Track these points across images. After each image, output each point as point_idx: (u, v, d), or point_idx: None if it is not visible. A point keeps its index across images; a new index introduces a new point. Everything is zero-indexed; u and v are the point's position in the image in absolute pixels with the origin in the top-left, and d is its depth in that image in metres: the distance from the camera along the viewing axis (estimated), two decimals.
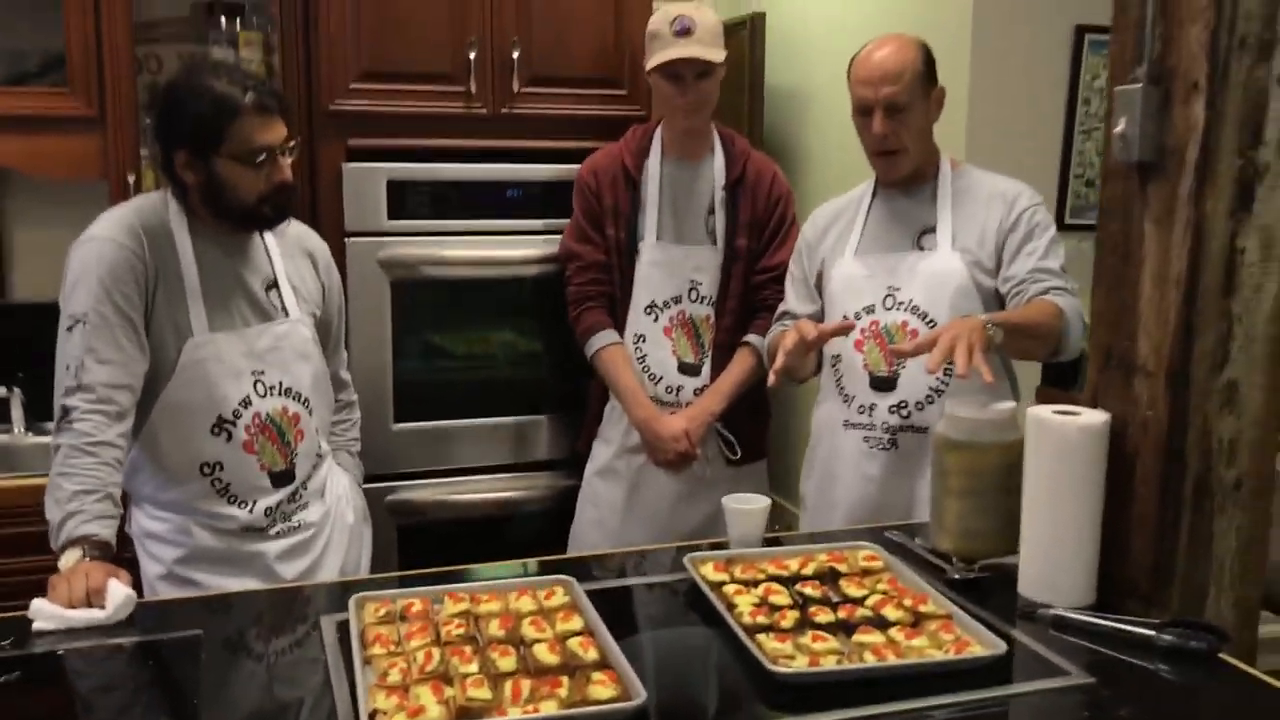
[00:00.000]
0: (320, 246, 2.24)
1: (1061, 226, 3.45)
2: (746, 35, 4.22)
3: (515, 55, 2.85)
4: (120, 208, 2.02)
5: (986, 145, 3.29)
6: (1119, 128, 1.65)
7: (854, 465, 2.23)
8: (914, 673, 1.48)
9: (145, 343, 1.93)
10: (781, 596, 1.69)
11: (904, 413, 2.17)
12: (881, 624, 1.60)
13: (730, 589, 1.72)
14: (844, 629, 1.59)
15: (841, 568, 1.81)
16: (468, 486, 2.92)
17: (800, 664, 1.48)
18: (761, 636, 1.55)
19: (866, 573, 1.80)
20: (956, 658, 1.50)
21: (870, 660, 1.50)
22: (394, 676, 1.42)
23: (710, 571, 1.79)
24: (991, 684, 1.47)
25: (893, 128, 2.14)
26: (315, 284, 2.19)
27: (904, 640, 1.55)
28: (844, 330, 2.11)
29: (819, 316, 2.32)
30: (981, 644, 1.53)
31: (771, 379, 2.09)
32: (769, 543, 1.97)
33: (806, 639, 1.55)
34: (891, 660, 1.49)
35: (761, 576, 1.77)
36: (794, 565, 1.81)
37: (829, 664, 1.49)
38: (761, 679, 1.46)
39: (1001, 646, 1.51)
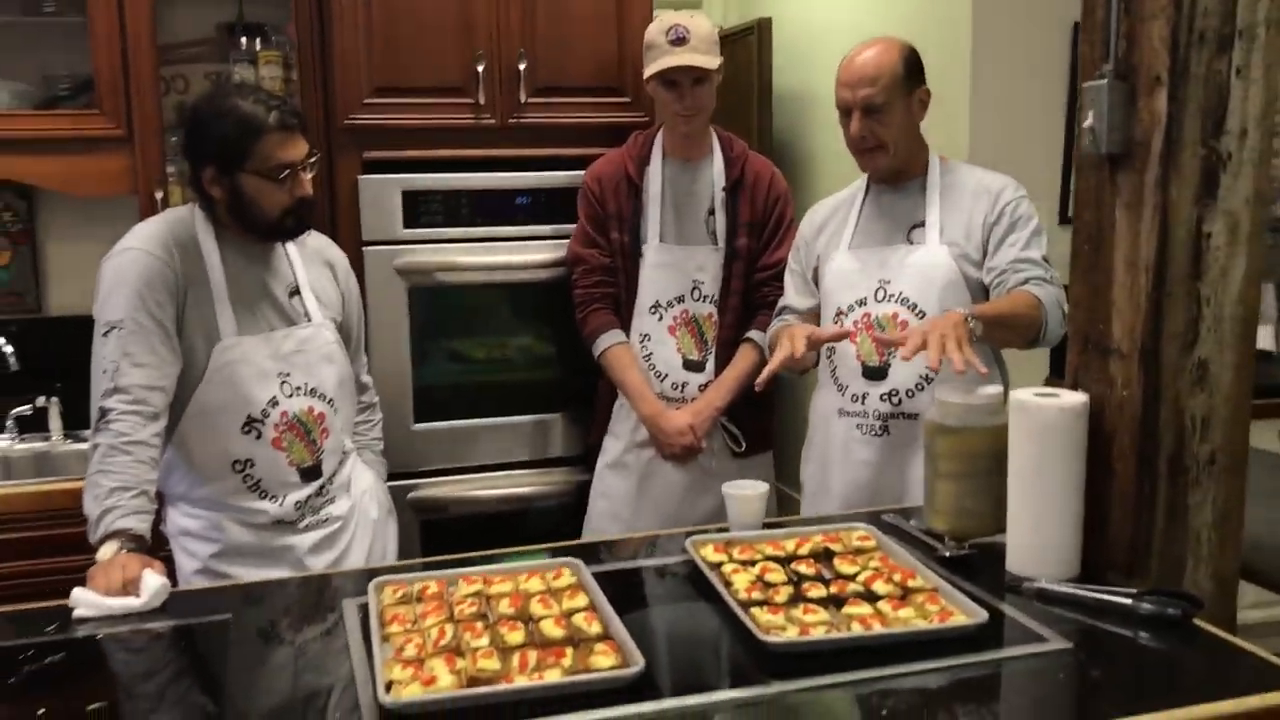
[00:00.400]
0: (339, 257, 2.34)
1: (1064, 220, 3.52)
2: (754, 40, 4.31)
3: (521, 67, 2.94)
4: (151, 221, 2.13)
5: (989, 142, 3.36)
6: (1087, 121, 1.73)
7: (849, 452, 2.31)
8: (898, 641, 1.56)
9: (177, 347, 2.03)
10: (777, 574, 1.77)
11: (895, 400, 2.25)
12: (871, 597, 1.69)
13: (728, 568, 1.80)
14: (834, 603, 1.68)
15: (835, 547, 1.89)
16: (486, 482, 3.02)
17: (791, 634, 1.57)
18: (756, 610, 1.63)
19: (859, 551, 1.88)
20: (939, 626, 1.58)
21: (857, 630, 1.58)
22: (409, 651, 1.51)
23: (710, 553, 1.88)
24: (974, 650, 1.55)
25: (870, 127, 2.23)
26: (335, 292, 2.29)
27: (891, 612, 1.63)
28: (839, 337, 2.20)
29: (816, 309, 2.41)
30: (965, 614, 1.62)
31: (759, 381, 2.16)
32: (770, 528, 2.05)
33: (798, 612, 1.63)
34: (877, 629, 1.58)
35: (758, 557, 1.85)
36: (790, 546, 1.90)
37: (818, 634, 1.57)
38: (755, 649, 1.54)
39: (983, 615, 1.59)
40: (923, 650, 1.54)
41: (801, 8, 4.35)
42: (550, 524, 3.03)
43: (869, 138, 2.24)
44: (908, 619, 1.62)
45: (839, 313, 2.31)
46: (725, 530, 2.03)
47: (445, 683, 1.42)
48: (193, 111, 2.10)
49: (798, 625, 1.60)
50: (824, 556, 1.86)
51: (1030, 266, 2.17)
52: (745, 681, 1.50)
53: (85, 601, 1.75)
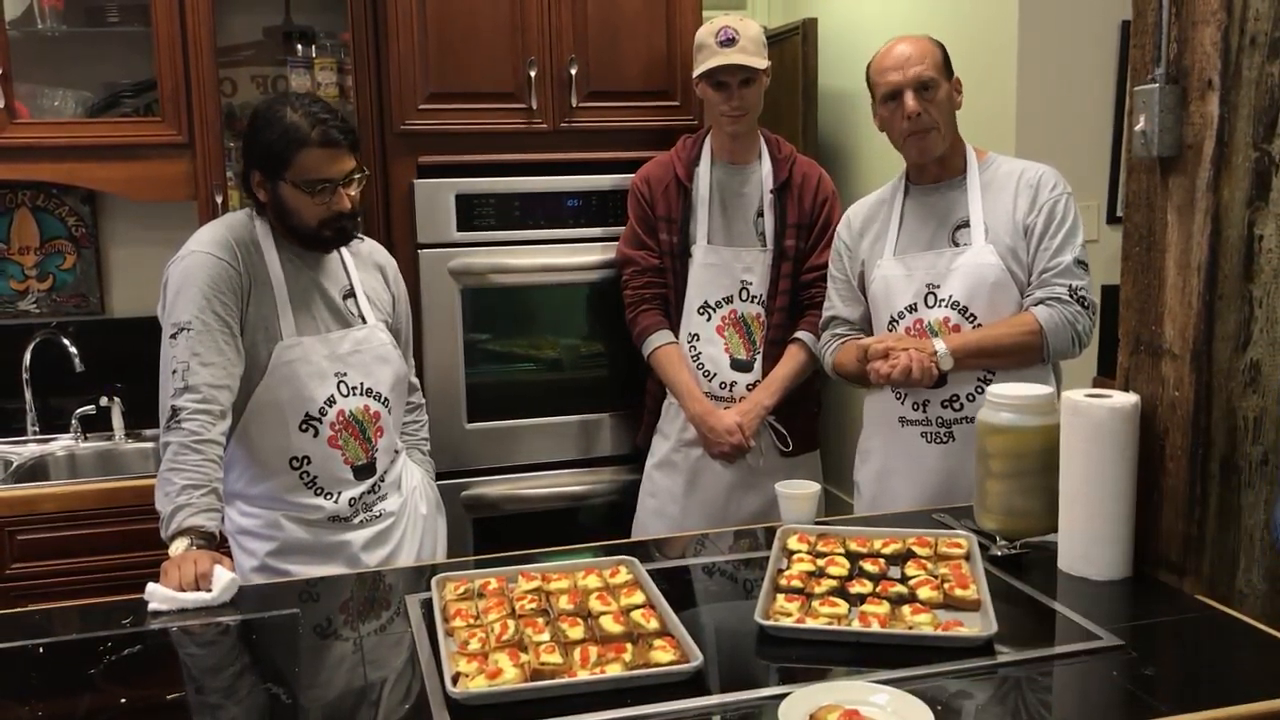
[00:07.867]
0: (389, 261, 2.39)
1: (1112, 219, 3.52)
2: (799, 40, 4.33)
3: (573, 72, 2.98)
4: (213, 225, 2.19)
5: (1036, 141, 3.36)
6: (1139, 124, 1.74)
7: (915, 459, 2.31)
8: (894, 642, 1.58)
9: (241, 346, 2.09)
10: (839, 569, 1.80)
11: (956, 406, 2.26)
12: (901, 600, 1.69)
13: (797, 556, 1.85)
14: (860, 600, 1.70)
15: (921, 550, 1.88)
16: (536, 481, 3.06)
17: (788, 622, 1.61)
18: (780, 595, 1.69)
19: (941, 557, 1.86)
20: (934, 634, 1.58)
21: (856, 626, 1.61)
22: (474, 645, 1.56)
23: (794, 542, 1.93)
24: (1030, 647, 1.57)
25: (924, 105, 2.23)
26: (386, 294, 2.34)
27: (910, 615, 1.63)
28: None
29: (865, 317, 2.42)
30: (976, 628, 1.60)
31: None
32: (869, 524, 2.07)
33: (818, 603, 1.67)
34: (875, 629, 1.60)
35: (838, 550, 1.88)
36: (877, 544, 1.91)
37: (815, 624, 1.61)
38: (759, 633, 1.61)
39: (991, 631, 1.56)
40: (933, 654, 1.55)
41: (846, 8, 4.37)
42: (599, 522, 3.07)
43: (925, 116, 2.24)
44: (918, 624, 1.61)
45: (891, 320, 2.32)
46: (775, 530, 2.05)
47: (510, 676, 1.46)
48: (250, 117, 2.17)
49: (812, 615, 1.64)
50: (903, 558, 1.87)
51: (1055, 280, 2.20)
52: (794, 678, 1.53)
53: (159, 596, 1.82)
